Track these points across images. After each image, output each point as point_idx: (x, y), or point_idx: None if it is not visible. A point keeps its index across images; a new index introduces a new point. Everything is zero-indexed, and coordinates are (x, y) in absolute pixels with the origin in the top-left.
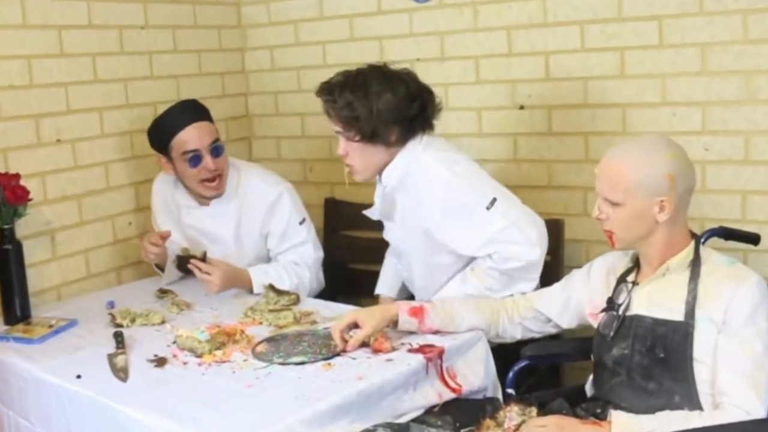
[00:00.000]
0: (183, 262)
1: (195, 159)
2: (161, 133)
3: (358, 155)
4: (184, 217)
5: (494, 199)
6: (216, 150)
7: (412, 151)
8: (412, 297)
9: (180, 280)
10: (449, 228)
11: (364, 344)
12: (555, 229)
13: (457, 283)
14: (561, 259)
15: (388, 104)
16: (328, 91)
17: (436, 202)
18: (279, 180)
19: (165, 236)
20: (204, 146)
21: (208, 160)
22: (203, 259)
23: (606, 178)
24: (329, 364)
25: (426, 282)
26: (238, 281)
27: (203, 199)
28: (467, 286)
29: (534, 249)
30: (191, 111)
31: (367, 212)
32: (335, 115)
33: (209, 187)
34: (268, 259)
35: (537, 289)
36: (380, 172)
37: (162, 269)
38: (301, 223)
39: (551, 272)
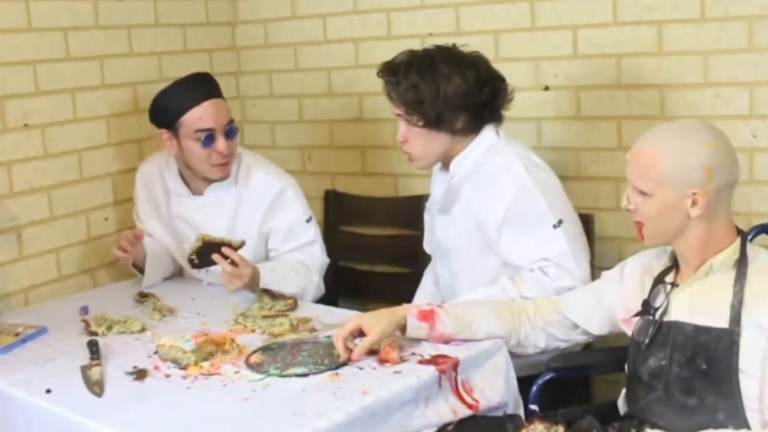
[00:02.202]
0: (210, 249)
1: (208, 139)
2: (171, 106)
3: (418, 141)
4: (173, 206)
5: (561, 221)
6: (231, 132)
7: (488, 141)
8: None
9: (163, 283)
10: (508, 233)
11: (372, 352)
12: (584, 225)
13: (487, 288)
14: (592, 259)
15: (456, 89)
16: (391, 71)
17: (503, 200)
18: (283, 173)
19: (138, 236)
20: (219, 126)
21: (221, 141)
22: (237, 249)
23: (636, 165)
24: (337, 374)
25: (469, 286)
26: (255, 279)
27: (199, 185)
28: (494, 288)
29: (582, 284)
30: (208, 85)
31: (429, 203)
32: (398, 98)
33: (218, 167)
34: (264, 261)
35: None
36: (442, 160)
37: (140, 269)
38: (308, 221)
39: None
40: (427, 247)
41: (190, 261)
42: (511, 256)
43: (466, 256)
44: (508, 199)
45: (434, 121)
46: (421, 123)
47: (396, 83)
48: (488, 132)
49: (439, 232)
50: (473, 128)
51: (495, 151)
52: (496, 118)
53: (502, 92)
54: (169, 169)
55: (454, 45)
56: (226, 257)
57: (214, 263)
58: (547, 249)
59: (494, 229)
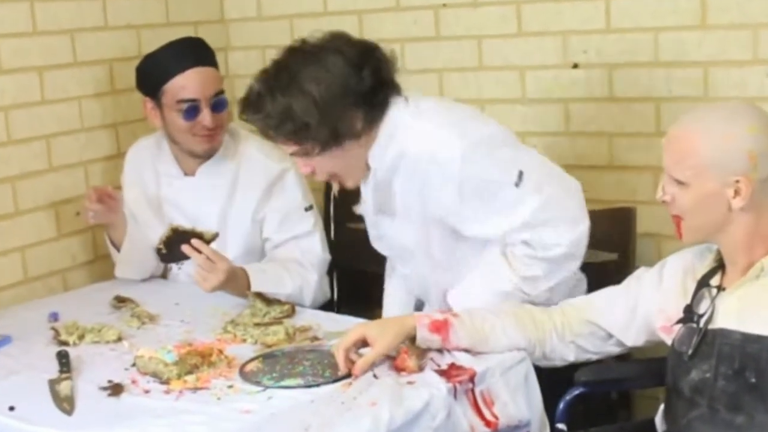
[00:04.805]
0: (180, 240)
1: (191, 111)
2: (153, 73)
3: (329, 165)
4: (162, 188)
5: (521, 173)
6: (218, 104)
7: (400, 119)
8: None
9: (143, 285)
10: (470, 213)
11: (388, 357)
12: (624, 220)
13: (485, 278)
14: (632, 258)
15: (331, 89)
16: (254, 106)
17: (449, 180)
18: (283, 155)
19: (112, 194)
20: (205, 97)
21: (206, 114)
22: (210, 242)
23: (673, 150)
24: (350, 383)
25: (445, 282)
26: (238, 280)
27: (190, 164)
28: (500, 281)
29: (575, 226)
30: (195, 51)
31: (358, 209)
32: (279, 135)
33: (203, 138)
34: (260, 254)
35: (582, 268)
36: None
37: (116, 246)
38: (307, 210)
39: (619, 275)
40: (377, 246)
41: (158, 251)
42: (486, 234)
43: (433, 257)
44: (453, 177)
45: (331, 138)
46: (317, 149)
47: (266, 118)
48: (394, 111)
49: (388, 234)
50: (375, 118)
51: (411, 130)
52: (393, 92)
53: (383, 64)
54: (161, 149)
55: (303, 40)
56: (198, 251)
57: (184, 257)
58: (520, 213)
59: (455, 218)
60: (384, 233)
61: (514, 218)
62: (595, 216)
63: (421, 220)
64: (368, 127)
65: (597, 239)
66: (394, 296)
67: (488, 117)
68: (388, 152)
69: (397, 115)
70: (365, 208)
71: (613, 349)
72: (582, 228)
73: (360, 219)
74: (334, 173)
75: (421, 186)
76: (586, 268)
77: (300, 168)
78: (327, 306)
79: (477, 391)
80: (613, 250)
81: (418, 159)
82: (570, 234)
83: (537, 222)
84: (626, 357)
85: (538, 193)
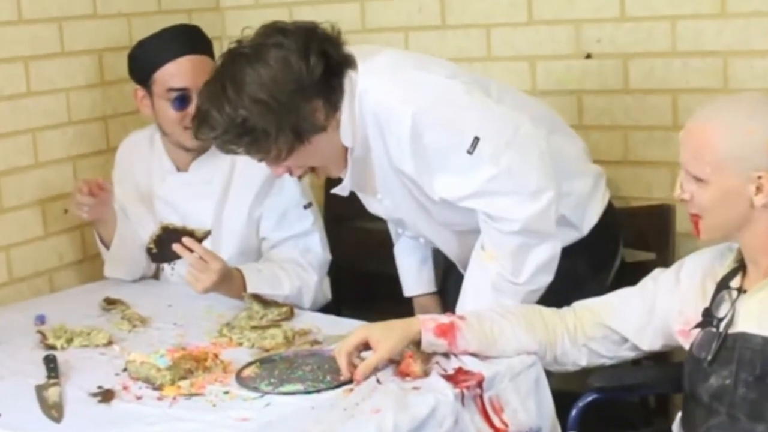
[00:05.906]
0: (171, 239)
1: (180, 100)
2: (145, 59)
3: (302, 162)
4: (155, 185)
5: (476, 139)
6: None
7: (356, 89)
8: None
9: (134, 286)
10: (426, 177)
11: (392, 361)
12: (661, 218)
13: (480, 274)
14: (670, 258)
15: (282, 88)
16: (207, 124)
17: (403, 147)
18: None
19: (103, 186)
20: (196, 86)
21: (196, 105)
22: (202, 240)
23: (690, 146)
24: (351, 389)
25: (451, 247)
26: (232, 281)
27: (183, 158)
28: (486, 274)
29: (535, 198)
30: (190, 39)
31: (336, 190)
32: (240, 148)
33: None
34: (256, 254)
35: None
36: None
37: (106, 243)
38: (306, 207)
39: None
40: (375, 212)
41: (149, 251)
42: (446, 196)
43: (423, 221)
44: (405, 143)
45: (295, 139)
46: (284, 152)
47: (223, 134)
48: (348, 85)
49: (379, 208)
50: (337, 101)
51: (365, 94)
52: (346, 67)
53: (328, 43)
54: (153, 143)
55: (239, 41)
56: (190, 250)
57: (176, 256)
58: (472, 181)
59: (418, 180)
60: (375, 208)
61: (465, 185)
62: (631, 213)
63: (402, 192)
64: (332, 113)
65: (633, 238)
66: (408, 264)
67: (454, 67)
68: (357, 127)
69: (351, 86)
70: (344, 187)
71: (628, 354)
72: (544, 201)
73: (361, 218)
74: (312, 168)
75: (385, 152)
76: (623, 267)
77: (273, 172)
78: (327, 308)
79: (486, 396)
80: (650, 249)
81: (378, 121)
82: (527, 208)
83: (490, 191)
84: (641, 361)
85: (494, 163)
